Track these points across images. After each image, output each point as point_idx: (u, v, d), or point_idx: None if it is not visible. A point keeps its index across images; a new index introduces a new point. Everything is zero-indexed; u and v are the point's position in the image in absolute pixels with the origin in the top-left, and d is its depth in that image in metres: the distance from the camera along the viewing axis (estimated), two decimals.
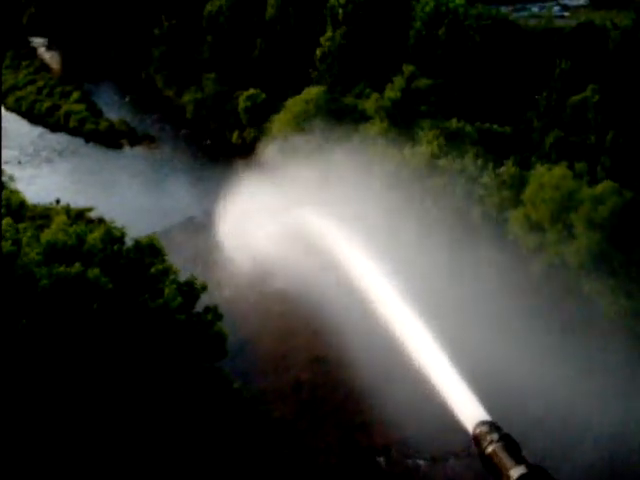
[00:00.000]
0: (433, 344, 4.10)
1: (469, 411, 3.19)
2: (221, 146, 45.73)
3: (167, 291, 21.67)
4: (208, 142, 46.95)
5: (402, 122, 36.22)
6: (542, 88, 33.70)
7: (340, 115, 38.74)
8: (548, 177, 27.70)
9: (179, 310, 21.45)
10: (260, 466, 20.44)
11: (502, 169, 30.57)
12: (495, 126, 33.98)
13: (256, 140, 43.28)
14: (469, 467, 22.16)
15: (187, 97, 49.34)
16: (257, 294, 31.60)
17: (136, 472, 17.88)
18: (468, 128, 33.75)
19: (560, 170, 27.98)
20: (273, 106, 42.40)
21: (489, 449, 2.90)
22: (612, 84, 30.38)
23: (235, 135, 45.16)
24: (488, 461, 2.87)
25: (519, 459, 2.76)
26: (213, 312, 23.24)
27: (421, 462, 22.65)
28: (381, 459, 22.93)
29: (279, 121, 40.37)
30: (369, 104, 37.53)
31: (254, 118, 43.56)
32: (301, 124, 38.40)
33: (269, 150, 37.94)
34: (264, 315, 30.31)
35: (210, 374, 21.54)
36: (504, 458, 2.80)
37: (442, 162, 32.14)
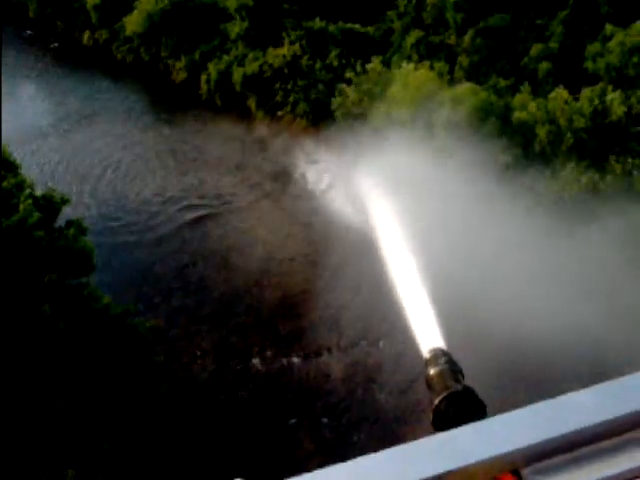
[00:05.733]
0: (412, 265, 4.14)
1: (427, 338, 3.49)
2: (71, 48, 42.43)
3: (22, 207, 20.39)
4: (56, 44, 43.36)
5: (264, 22, 35.22)
6: None
7: (198, 14, 37.04)
8: (412, 78, 28.22)
9: (37, 226, 20.31)
10: (132, 377, 20.34)
11: (369, 66, 30.91)
12: (357, 26, 33.83)
13: (109, 42, 40.64)
14: (340, 360, 23.32)
15: None
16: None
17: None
18: (331, 28, 33.42)
19: (424, 72, 28.53)
20: (126, 5, 39.65)
21: (431, 372, 3.17)
22: None
23: (86, 36, 42.00)
24: (429, 383, 3.16)
25: (453, 384, 3.01)
26: (76, 226, 22.22)
27: (295, 359, 23.49)
28: (256, 360, 23.55)
29: (132, 21, 38.08)
30: (230, 2, 36.01)
31: (106, 18, 40.58)
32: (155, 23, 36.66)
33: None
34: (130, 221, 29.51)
35: (75, 291, 20.81)
36: (439, 382, 3.03)
37: (304, 61, 32.12)
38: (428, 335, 3.45)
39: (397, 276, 4.03)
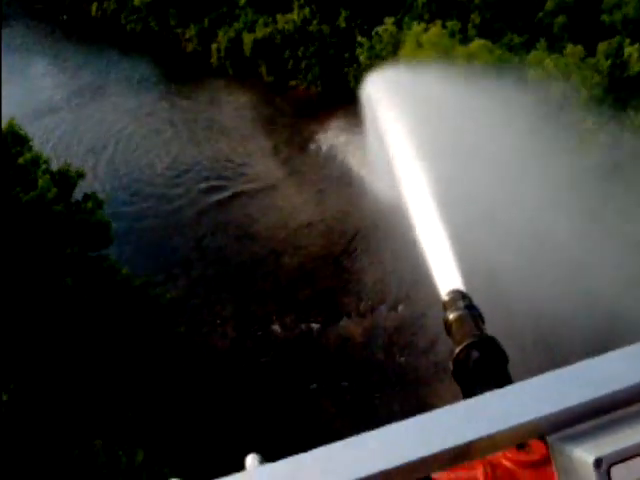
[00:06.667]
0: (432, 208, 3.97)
1: (445, 279, 3.27)
2: (80, 21, 42.17)
3: (40, 182, 20.47)
4: (65, 17, 43.12)
5: None
6: None
7: None
8: (425, 36, 27.75)
9: (55, 201, 20.42)
10: (155, 348, 20.61)
11: (380, 28, 30.47)
12: None
13: (117, 12, 40.32)
14: (359, 324, 23.45)
15: None
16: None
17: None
18: None
19: (437, 29, 28.05)
20: None
21: (450, 316, 2.99)
22: None
23: (94, 7, 41.68)
24: (448, 328, 2.98)
25: (473, 331, 2.83)
26: (93, 200, 22.32)
27: (315, 325, 23.64)
28: (276, 326, 23.73)
29: None
30: None
31: None
32: None
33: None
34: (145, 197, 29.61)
35: (95, 263, 20.99)
36: (459, 328, 2.91)
37: (313, 26, 31.72)
38: (447, 276, 3.30)
39: (417, 217, 3.86)
